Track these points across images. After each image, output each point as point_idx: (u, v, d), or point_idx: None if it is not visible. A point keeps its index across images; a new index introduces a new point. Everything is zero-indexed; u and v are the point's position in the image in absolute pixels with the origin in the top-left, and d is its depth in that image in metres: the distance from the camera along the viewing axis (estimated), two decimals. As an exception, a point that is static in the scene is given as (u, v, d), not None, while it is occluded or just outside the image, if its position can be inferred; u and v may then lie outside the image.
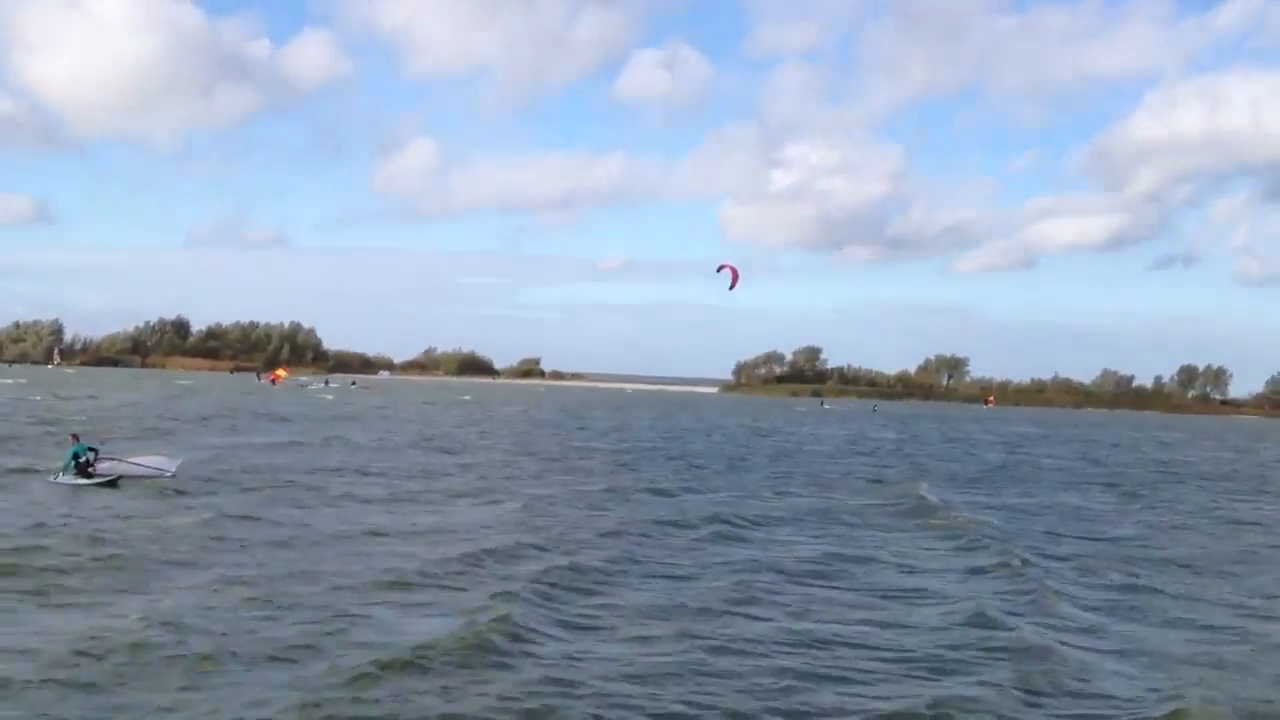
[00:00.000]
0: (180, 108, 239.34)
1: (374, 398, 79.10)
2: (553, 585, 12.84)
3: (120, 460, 21.78)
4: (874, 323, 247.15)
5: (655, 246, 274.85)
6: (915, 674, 10.23)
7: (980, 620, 12.47)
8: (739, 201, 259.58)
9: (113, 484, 20.34)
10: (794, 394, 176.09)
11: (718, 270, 52.85)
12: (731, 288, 52.62)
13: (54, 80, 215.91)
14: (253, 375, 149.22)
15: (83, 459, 20.91)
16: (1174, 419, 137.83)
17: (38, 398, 52.97)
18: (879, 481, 29.95)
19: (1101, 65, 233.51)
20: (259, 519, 17.71)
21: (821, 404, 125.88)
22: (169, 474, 21.12)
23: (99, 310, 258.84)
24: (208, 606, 11.37)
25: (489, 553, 14.75)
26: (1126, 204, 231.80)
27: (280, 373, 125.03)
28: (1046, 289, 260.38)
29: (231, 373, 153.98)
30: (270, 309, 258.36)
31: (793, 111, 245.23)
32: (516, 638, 10.44)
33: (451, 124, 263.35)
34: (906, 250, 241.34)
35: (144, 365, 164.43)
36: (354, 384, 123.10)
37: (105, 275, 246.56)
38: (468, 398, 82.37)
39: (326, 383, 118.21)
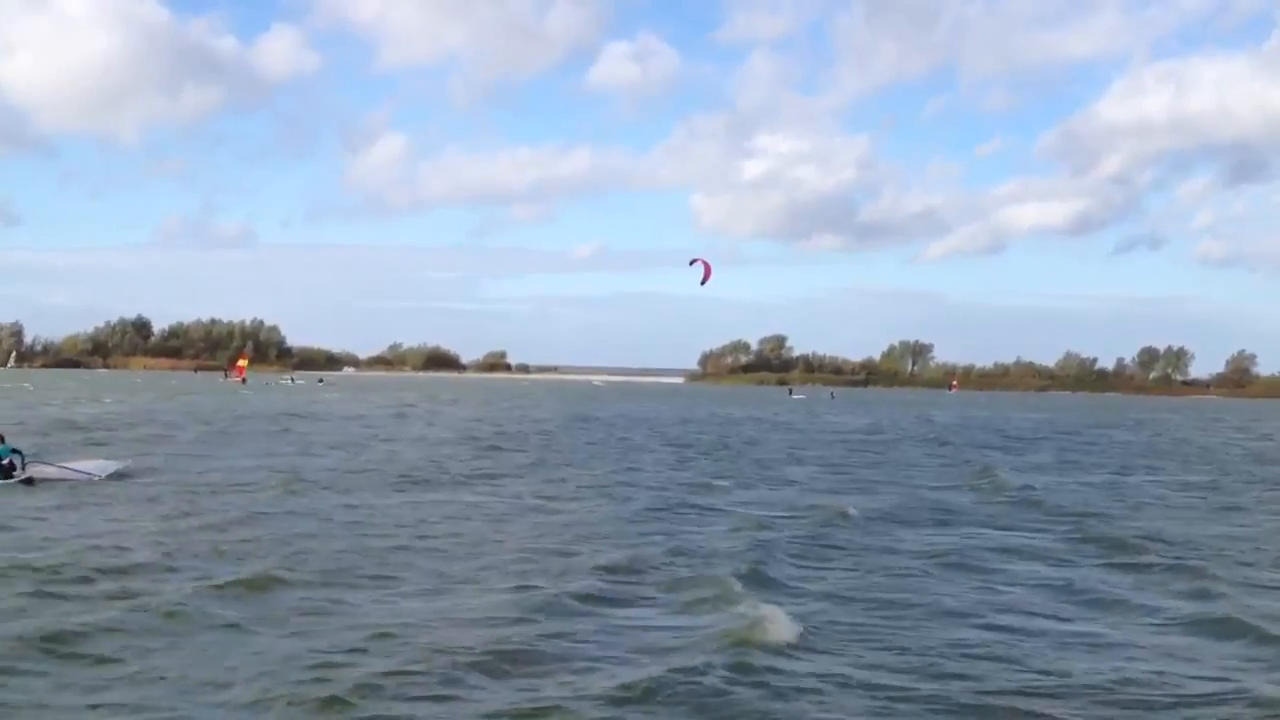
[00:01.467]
0: (147, 105, 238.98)
1: (373, 394, 77.73)
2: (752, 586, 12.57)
3: (49, 465, 21.26)
4: (841, 311, 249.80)
5: (625, 238, 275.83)
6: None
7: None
8: (709, 191, 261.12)
9: (28, 482, 19.71)
10: (760, 383, 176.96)
11: (690, 264, 52.55)
12: (704, 283, 52.31)
13: (19, 79, 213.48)
14: (214, 374, 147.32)
15: (5, 460, 20.20)
16: (1138, 400, 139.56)
17: (53, 408, 51.55)
18: (953, 467, 29.86)
19: (1070, 50, 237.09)
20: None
21: (790, 393, 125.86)
22: (97, 478, 20.61)
23: (64, 310, 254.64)
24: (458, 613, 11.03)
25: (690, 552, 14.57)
26: (1093, 188, 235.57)
27: (242, 363, 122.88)
28: (1012, 274, 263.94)
29: (195, 371, 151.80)
30: (236, 307, 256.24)
31: (762, 101, 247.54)
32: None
33: (421, 117, 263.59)
34: (875, 238, 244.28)
35: (105, 366, 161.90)
36: (321, 381, 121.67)
37: (70, 275, 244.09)
38: (487, 397, 78.65)
39: (292, 380, 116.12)
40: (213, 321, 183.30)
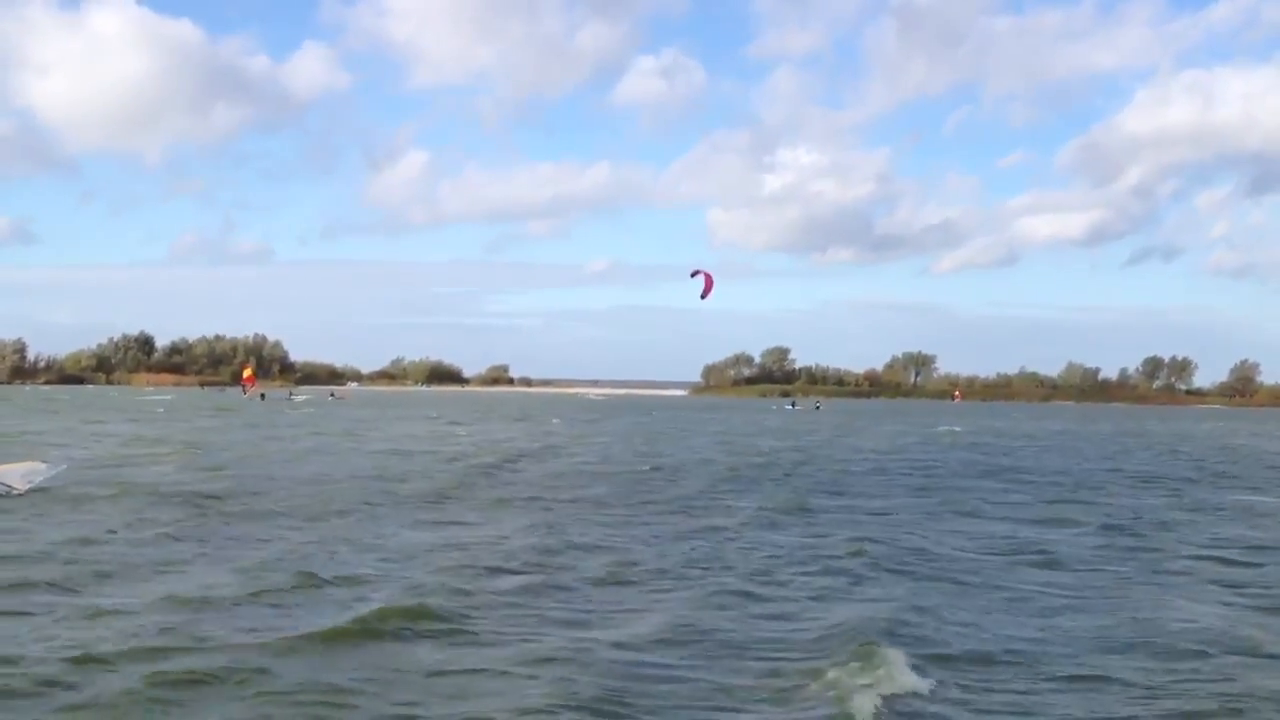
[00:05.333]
0: (175, 125, 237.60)
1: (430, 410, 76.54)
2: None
3: None
4: (848, 323, 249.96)
5: (639, 253, 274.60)
6: None
7: None
8: (726, 206, 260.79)
9: None
10: (763, 395, 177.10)
11: (692, 275, 52.16)
12: (704, 296, 51.74)
13: (51, 100, 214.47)
14: (217, 389, 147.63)
15: None
16: (1144, 410, 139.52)
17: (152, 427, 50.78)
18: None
19: (1094, 63, 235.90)
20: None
21: (793, 404, 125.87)
22: (17, 492, 20.27)
23: (73, 328, 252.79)
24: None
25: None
26: (1111, 199, 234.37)
27: (248, 373, 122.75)
28: (1023, 285, 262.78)
29: (202, 387, 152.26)
30: (246, 323, 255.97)
31: (785, 116, 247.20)
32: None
33: (446, 135, 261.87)
34: (889, 250, 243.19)
35: (108, 382, 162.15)
36: (332, 395, 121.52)
37: (82, 293, 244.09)
38: (558, 420, 67.27)
39: (290, 395, 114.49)
40: (216, 337, 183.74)
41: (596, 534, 17.59)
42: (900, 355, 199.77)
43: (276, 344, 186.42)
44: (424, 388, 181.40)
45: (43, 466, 22.03)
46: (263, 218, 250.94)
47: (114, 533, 16.15)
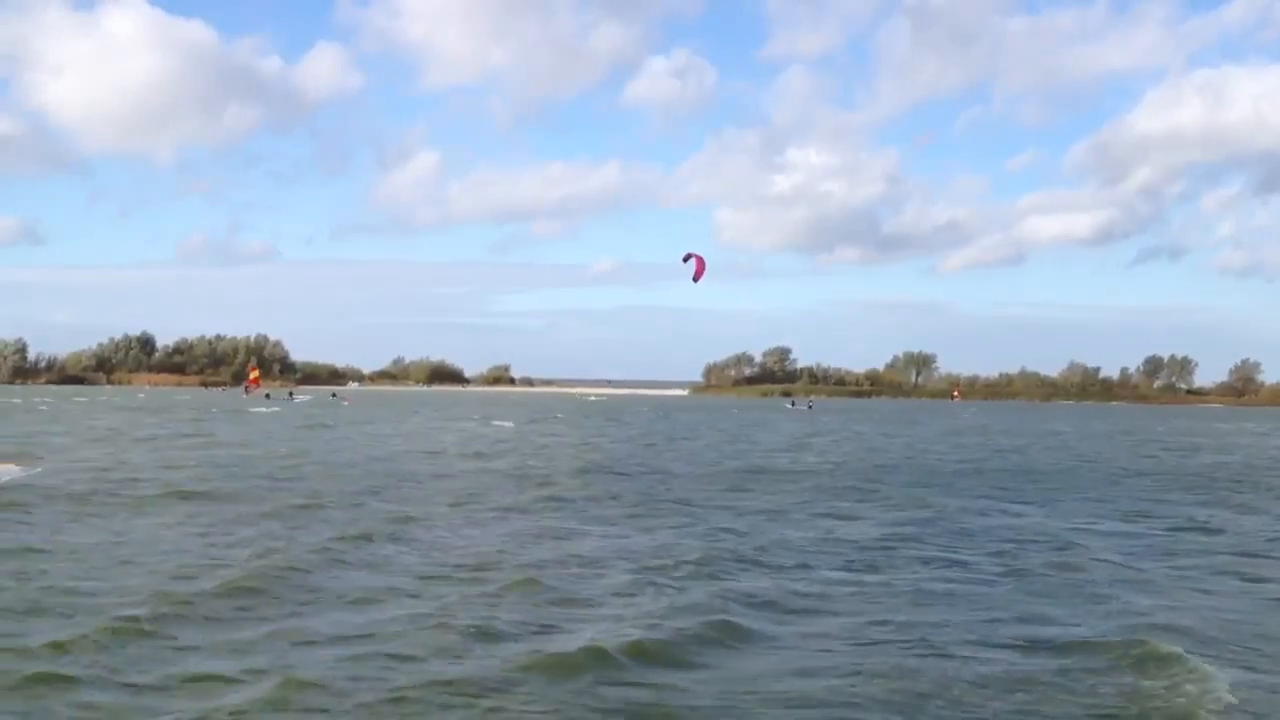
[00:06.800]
0: (186, 126, 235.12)
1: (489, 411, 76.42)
2: None
3: None
4: (852, 323, 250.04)
5: (646, 252, 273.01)
6: None
7: None
8: (735, 205, 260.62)
9: None
10: (764, 394, 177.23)
11: (684, 259, 52.27)
12: (696, 279, 52.06)
13: (63, 101, 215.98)
14: (220, 388, 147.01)
15: None
16: (1146, 409, 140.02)
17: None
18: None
19: (1107, 63, 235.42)
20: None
21: (791, 403, 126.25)
22: None
23: (76, 328, 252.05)
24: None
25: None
26: (1119, 199, 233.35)
27: (255, 374, 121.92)
28: (1028, 285, 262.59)
29: (205, 388, 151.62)
30: (249, 323, 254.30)
31: (795, 116, 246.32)
32: None
33: (458, 135, 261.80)
34: (896, 250, 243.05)
35: (109, 382, 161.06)
36: (334, 395, 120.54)
37: (87, 293, 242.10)
38: (591, 421, 67.78)
39: (291, 395, 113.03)
40: (217, 337, 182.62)
41: (794, 541, 17.39)
42: (901, 355, 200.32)
43: (277, 344, 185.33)
44: (425, 388, 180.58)
45: (15, 469, 22.00)
46: (271, 218, 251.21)
47: (298, 529, 15.94)
